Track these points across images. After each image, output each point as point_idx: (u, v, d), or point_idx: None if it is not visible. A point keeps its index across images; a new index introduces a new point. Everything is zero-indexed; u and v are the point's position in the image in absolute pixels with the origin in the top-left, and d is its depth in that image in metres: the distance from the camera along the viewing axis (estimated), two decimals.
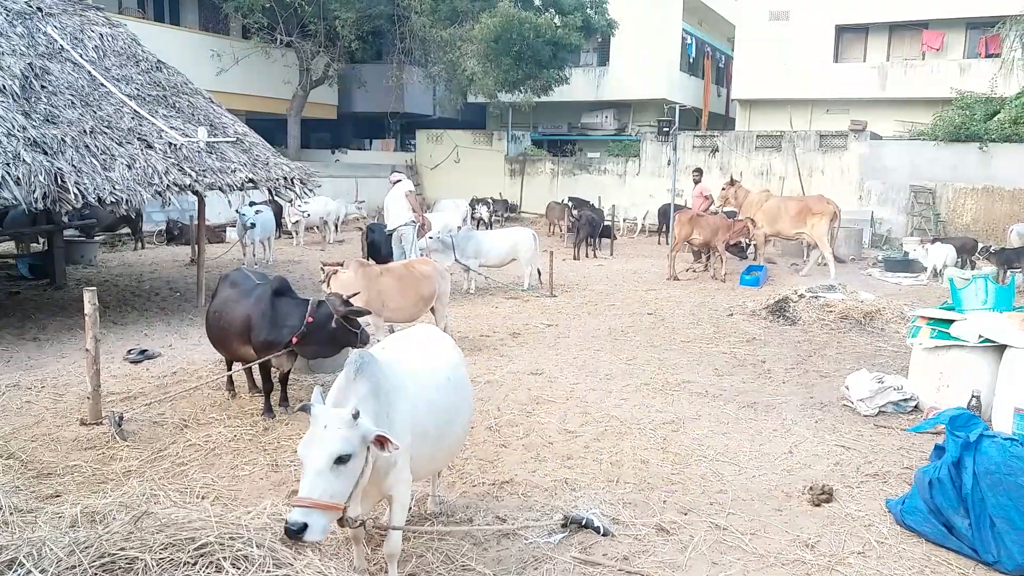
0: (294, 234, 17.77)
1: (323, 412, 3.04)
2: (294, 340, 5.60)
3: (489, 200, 22.32)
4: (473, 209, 22.13)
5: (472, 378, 6.99)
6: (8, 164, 7.23)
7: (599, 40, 28.68)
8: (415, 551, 4.08)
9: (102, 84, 9.33)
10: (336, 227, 18.93)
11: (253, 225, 13.33)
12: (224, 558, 2.64)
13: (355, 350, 3.67)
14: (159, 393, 6.47)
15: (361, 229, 13.87)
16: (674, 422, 6.17)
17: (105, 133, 8.53)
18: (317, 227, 18.13)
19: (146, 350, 7.63)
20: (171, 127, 9.39)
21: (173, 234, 16.75)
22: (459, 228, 12.73)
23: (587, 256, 16.90)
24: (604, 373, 7.48)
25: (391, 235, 11.42)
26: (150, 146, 8.85)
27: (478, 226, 21.89)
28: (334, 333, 5.67)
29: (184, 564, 2.57)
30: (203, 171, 9.05)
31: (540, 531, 4.31)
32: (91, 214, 14.72)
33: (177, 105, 10.06)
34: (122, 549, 2.51)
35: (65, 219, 11.72)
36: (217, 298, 6.19)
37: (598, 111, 29.58)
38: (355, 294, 5.95)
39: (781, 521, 4.55)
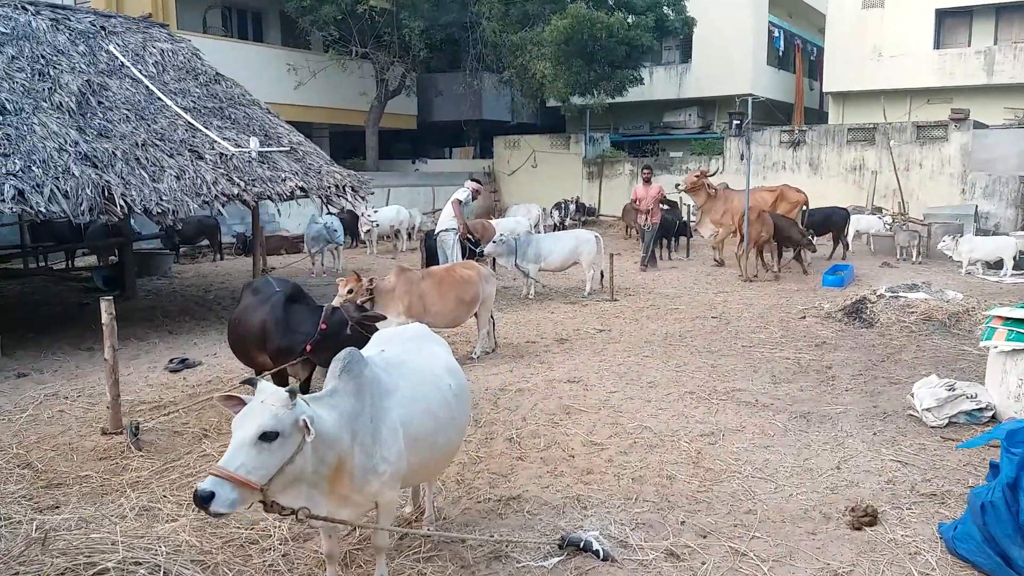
0: (367, 243, 17.92)
1: (265, 387, 2.97)
2: (308, 348, 5.45)
3: (561, 203, 21.89)
4: (551, 213, 21.87)
5: (503, 387, 6.78)
6: (58, 178, 7.43)
7: (680, 38, 27.93)
8: (399, 572, 3.82)
9: (159, 98, 9.56)
10: (409, 235, 19.00)
11: (325, 235, 13.45)
12: None
13: (345, 348, 3.47)
14: (189, 403, 6.47)
15: (422, 237, 13.82)
16: (712, 434, 5.68)
17: (157, 145, 8.71)
18: (389, 235, 18.23)
19: (186, 359, 7.70)
20: (223, 138, 9.52)
21: (245, 246, 17.16)
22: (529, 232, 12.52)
23: (661, 259, 16.33)
24: (647, 380, 7.03)
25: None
26: (201, 157, 8.99)
27: (554, 230, 21.62)
28: (349, 340, 5.48)
29: None
30: (253, 180, 9.12)
31: (536, 553, 3.97)
32: (165, 227, 15.34)
33: (232, 116, 10.22)
34: (16, 573, 2.35)
35: (138, 231, 12.16)
36: (239, 306, 6.12)
37: (680, 109, 28.76)
38: (369, 299, 5.76)
39: (812, 546, 4.04)
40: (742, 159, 22.36)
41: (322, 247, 13.78)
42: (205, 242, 16.60)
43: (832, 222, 16.48)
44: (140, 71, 9.81)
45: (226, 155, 9.21)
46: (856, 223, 17.59)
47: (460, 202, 10.56)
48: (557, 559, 3.89)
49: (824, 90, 26.86)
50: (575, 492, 4.72)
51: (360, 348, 5.49)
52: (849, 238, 17.19)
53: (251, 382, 3.01)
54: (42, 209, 7.12)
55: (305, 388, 6.00)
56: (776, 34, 27.93)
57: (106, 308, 5.56)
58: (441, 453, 3.77)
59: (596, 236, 12.09)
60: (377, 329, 5.59)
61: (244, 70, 20.89)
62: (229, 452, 2.82)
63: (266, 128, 10.37)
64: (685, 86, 28.00)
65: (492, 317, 8.18)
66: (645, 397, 6.56)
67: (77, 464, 5.22)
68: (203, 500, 2.69)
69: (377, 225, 16.83)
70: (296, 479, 2.99)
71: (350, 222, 17.75)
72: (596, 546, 3.91)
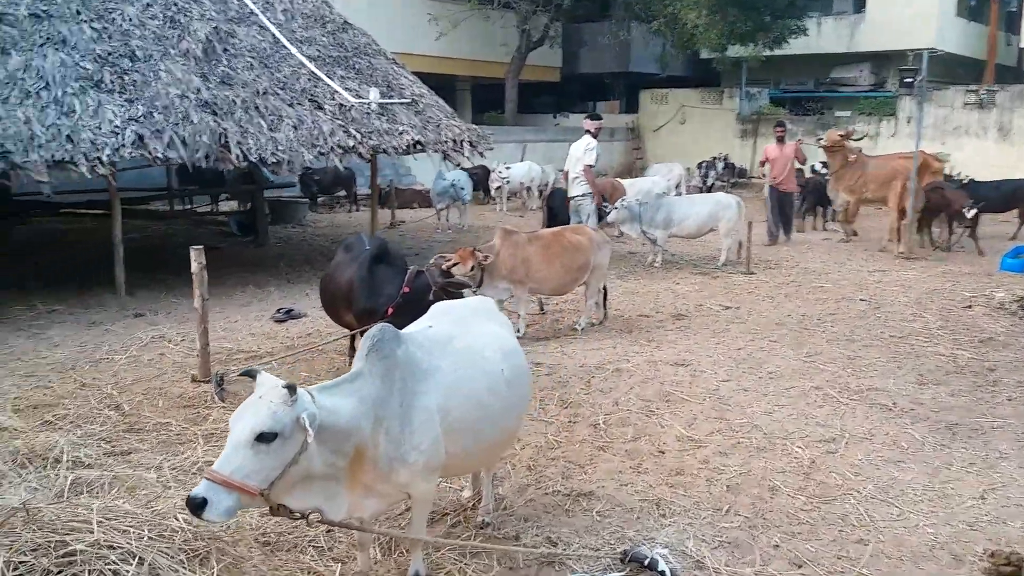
0: (497, 199, 17.64)
1: (266, 381, 2.65)
2: (389, 310, 5.17)
3: (707, 162, 20.59)
4: (695, 172, 20.71)
5: (601, 365, 6.24)
6: (177, 124, 7.54)
7: None
8: (439, 566, 3.46)
9: (284, 46, 9.54)
10: (540, 193, 18.54)
11: (451, 191, 13.26)
12: (90, 571, 2.21)
13: (378, 324, 3.12)
14: (283, 355, 6.41)
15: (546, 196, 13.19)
16: (833, 440, 4.92)
17: (277, 94, 8.70)
18: (519, 192, 17.86)
19: (291, 310, 7.69)
20: (345, 88, 9.40)
21: (382, 197, 17.31)
22: (662, 194, 11.68)
23: (813, 228, 15.01)
24: (768, 370, 6.26)
25: (570, 202, 10.68)
26: (320, 107, 8.91)
27: (702, 191, 20.44)
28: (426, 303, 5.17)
29: (42, 573, 2.18)
30: (369, 133, 8.96)
31: (594, 565, 3.49)
32: (303, 176, 15.71)
33: (357, 66, 10.09)
34: None
35: (270, 180, 12.46)
36: (332, 263, 5.93)
37: (851, 65, 26.28)
38: (454, 264, 5.39)
39: None
40: (909, 122, 20.19)
41: (448, 203, 13.59)
42: (342, 192, 16.90)
43: (1019, 196, 14.47)
44: (269, 18, 9.82)
45: (345, 106, 9.08)
46: None
47: (591, 166, 9.89)
48: (618, 574, 3.40)
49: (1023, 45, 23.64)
50: (656, 495, 4.18)
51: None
52: None
53: (250, 373, 2.71)
54: (159, 155, 7.25)
55: None
56: None
57: (195, 257, 5.50)
58: (489, 444, 3.36)
59: (737, 201, 11.13)
60: (462, 296, 5.23)
61: (383, 19, 21.00)
62: (224, 454, 2.53)
63: (389, 79, 10.18)
64: (857, 38, 25.51)
65: (604, 288, 7.62)
66: (762, 390, 5.83)
67: (161, 410, 5.24)
68: (196, 507, 2.43)
69: (508, 181, 16.46)
70: (305, 478, 2.67)
71: (482, 177, 17.54)
72: (662, 566, 3.38)
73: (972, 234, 12.42)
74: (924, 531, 3.85)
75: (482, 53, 24.06)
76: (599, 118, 10.13)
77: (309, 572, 3.36)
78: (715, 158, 20.97)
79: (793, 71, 27.61)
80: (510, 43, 23.17)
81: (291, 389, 2.56)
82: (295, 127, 8.39)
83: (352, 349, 6.30)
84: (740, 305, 8.61)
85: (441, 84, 28.72)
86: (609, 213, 10.72)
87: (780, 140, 12.85)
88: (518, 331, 7.02)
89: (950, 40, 24.11)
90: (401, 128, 9.30)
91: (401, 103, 9.77)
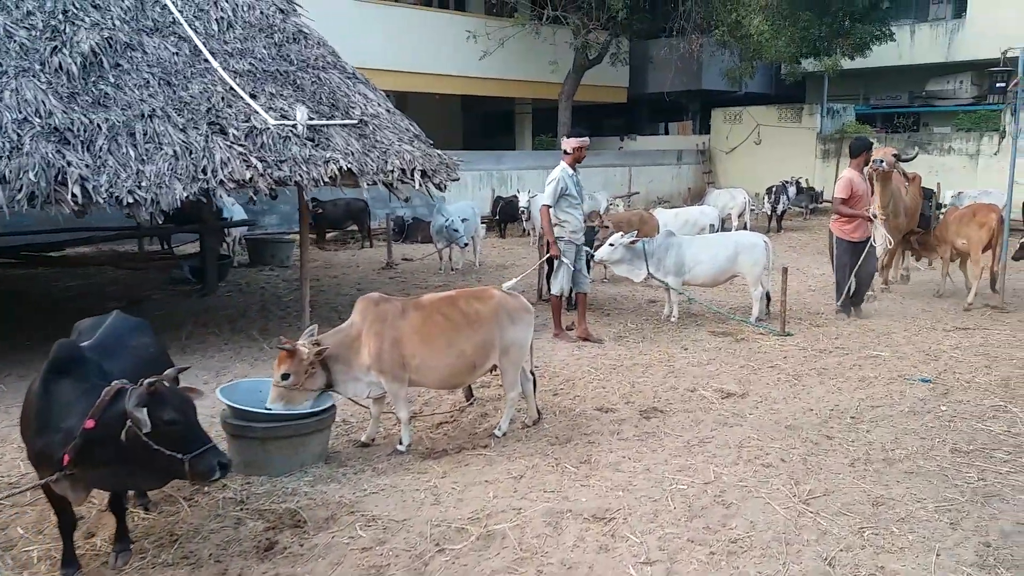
0: (529, 232, 15.64)
1: None
2: (65, 458, 3.27)
3: (777, 187, 17.94)
4: (763, 199, 18.15)
5: (466, 521, 3.94)
6: (1, 157, 5.97)
7: None
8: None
9: (206, 60, 7.95)
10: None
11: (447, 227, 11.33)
12: None
13: None
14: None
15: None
16: None
17: (168, 117, 7.06)
18: None
19: None
20: (270, 108, 7.71)
21: (403, 231, 15.68)
22: (671, 233, 9.38)
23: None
24: (731, 537, 3.90)
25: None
26: (223, 131, 7.23)
27: (771, 220, 17.85)
28: (133, 454, 3.24)
29: None
30: (280, 162, 7.20)
31: None
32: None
33: (298, 82, 8.39)
34: None
35: (228, 216, 10.93)
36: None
37: (950, 76, 23.04)
38: (184, 368, 3.48)
39: None
40: (1003, 137, 17.10)
41: (447, 243, 11.70)
42: (354, 226, 15.32)
43: None
44: (196, 27, 8.27)
45: (261, 129, 7.37)
46: None
47: (549, 207, 7.81)
48: None
49: None
50: None
51: (159, 466, 3.30)
52: None
53: None
54: None
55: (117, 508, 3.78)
56: None
57: None
58: None
59: (764, 240, 8.83)
60: (181, 434, 3.28)
61: (414, 38, 19.45)
62: None
63: (336, 96, 8.43)
64: (957, 47, 22.35)
65: (532, 373, 5.53)
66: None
67: None
68: None
69: (525, 211, 14.46)
70: None
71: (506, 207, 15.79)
72: None
73: None
74: None
75: (537, 73, 22.16)
76: (582, 135, 7.98)
77: None
78: (786, 182, 18.32)
79: (884, 85, 24.58)
80: (563, 61, 21.17)
81: None
82: (176, 156, 6.72)
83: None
84: (748, 391, 6.33)
85: (498, 108, 27.34)
86: (597, 252, 8.66)
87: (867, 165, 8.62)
88: (400, 445, 5.04)
89: None
90: (328, 155, 7.52)
91: (341, 124, 7.99)
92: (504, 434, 5.26)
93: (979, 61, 20.87)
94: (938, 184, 17.24)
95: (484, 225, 17.14)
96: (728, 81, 22.27)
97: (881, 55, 21.32)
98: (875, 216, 8.24)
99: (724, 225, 16.16)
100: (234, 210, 12.41)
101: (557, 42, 20.67)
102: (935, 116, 23.51)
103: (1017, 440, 5.26)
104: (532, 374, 5.49)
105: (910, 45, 22.93)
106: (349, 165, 7.54)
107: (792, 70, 19.45)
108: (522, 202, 14.46)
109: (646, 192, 22.58)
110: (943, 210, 12.55)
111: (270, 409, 4.52)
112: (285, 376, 4.49)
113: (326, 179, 7.36)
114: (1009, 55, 8.46)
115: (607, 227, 9.46)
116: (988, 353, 7.42)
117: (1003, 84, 8.17)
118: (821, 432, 5.41)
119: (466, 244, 11.53)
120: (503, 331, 5.08)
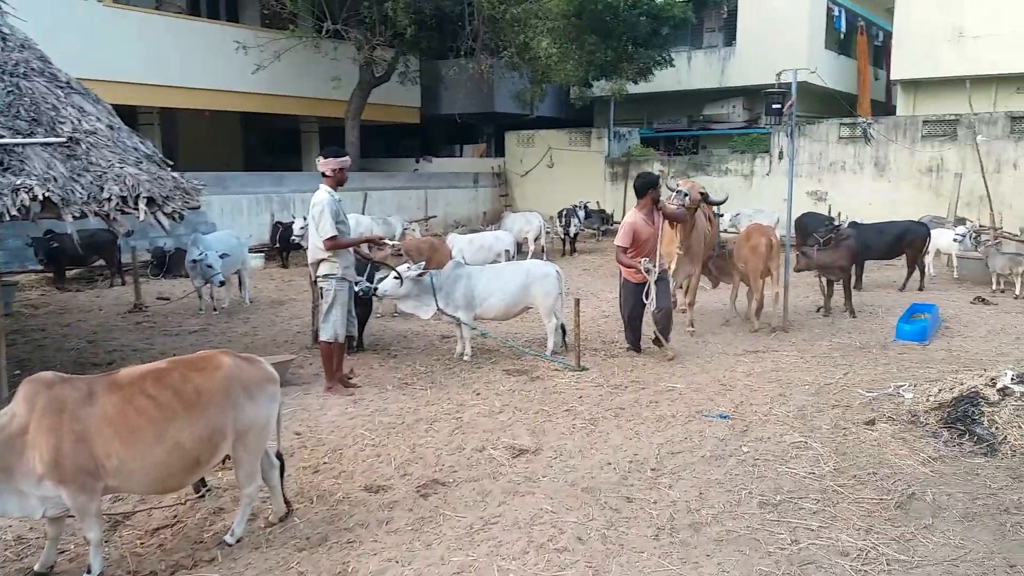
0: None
1: None
2: None
3: (567, 210, 17.91)
4: (555, 222, 18.00)
5: None
6: None
7: (723, 16, 23.73)
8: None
9: None
10: (370, 250, 15.31)
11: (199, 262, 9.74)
12: None
13: None
14: None
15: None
16: None
17: None
18: None
19: None
20: None
21: (163, 265, 13.72)
22: (460, 263, 8.53)
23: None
24: None
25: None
26: None
27: (565, 243, 17.71)
28: None
29: None
30: None
31: None
32: (38, 242, 12.03)
33: None
34: None
35: None
36: None
37: (723, 100, 24.46)
38: None
39: None
40: (780, 157, 18.28)
41: (203, 281, 10.11)
42: (101, 262, 13.19)
43: (907, 241, 12.33)
44: None
45: None
46: (937, 240, 13.42)
47: (334, 237, 6.68)
48: None
49: (892, 78, 22.23)
50: None
51: None
52: (928, 260, 13.07)
53: None
54: None
55: None
56: (836, 13, 23.49)
57: None
58: None
59: (556, 270, 8.24)
60: None
61: (180, 50, 17.49)
62: None
63: (40, 109, 6.81)
64: (729, 73, 23.77)
65: (279, 456, 4.38)
66: None
67: None
68: None
69: (298, 239, 13.02)
70: None
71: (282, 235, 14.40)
72: None
73: (847, 293, 10.29)
74: None
75: (320, 90, 20.69)
76: (340, 155, 6.84)
77: None
78: (575, 205, 18.31)
79: (666, 109, 25.69)
80: (345, 78, 19.97)
81: None
82: None
83: None
84: (542, 443, 5.57)
85: (282, 126, 25.57)
86: (377, 286, 7.66)
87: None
88: None
89: (821, 74, 22.54)
90: (20, 181, 5.94)
91: (41, 143, 6.41)
92: (239, 540, 4.07)
93: (749, 87, 22.28)
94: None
95: (263, 254, 15.66)
96: (519, 104, 22.16)
97: (662, 80, 22.15)
98: (648, 271, 7.69)
99: (521, 249, 15.80)
100: None
101: (340, 57, 19.46)
102: (712, 139, 24.84)
103: (822, 484, 4.86)
104: (279, 458, 4.33)
105: (688, 71, 24.07)
106: (48, 193, 5.99)
107: (580, 94, 19.61)
108: (296, 228, 13.04)
109: (443, 215, 21.91)
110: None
111: None
112: None
113: (12, 212, 5.78)
114: (783, 80, 8.49)
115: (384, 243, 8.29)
116: (781, 379, 7.23)
117: (779, 105, 8.11)
118: (621, 493, 4.71)
119: (222, 283, 10.00)
120: (237, 411, 3.89)
